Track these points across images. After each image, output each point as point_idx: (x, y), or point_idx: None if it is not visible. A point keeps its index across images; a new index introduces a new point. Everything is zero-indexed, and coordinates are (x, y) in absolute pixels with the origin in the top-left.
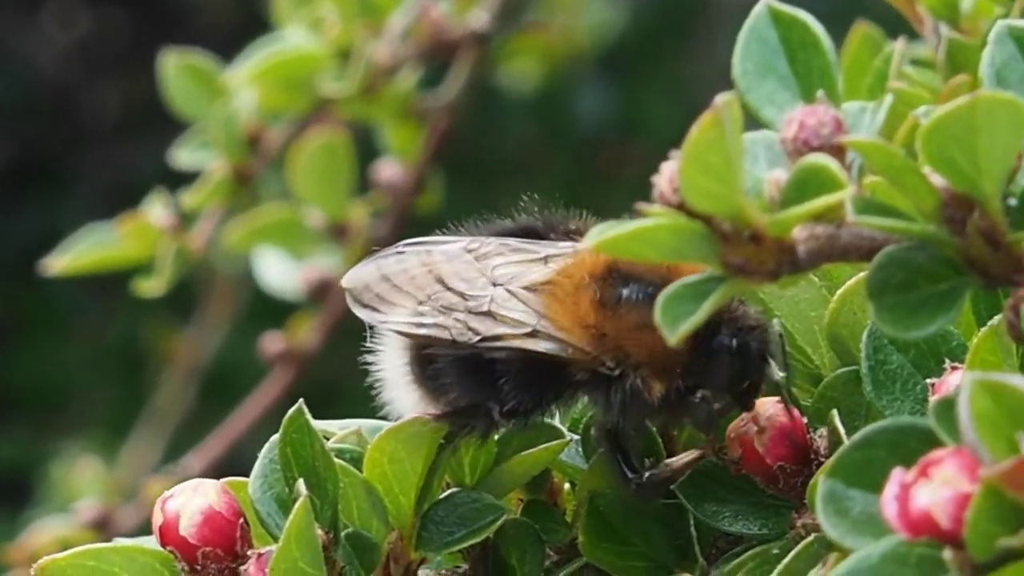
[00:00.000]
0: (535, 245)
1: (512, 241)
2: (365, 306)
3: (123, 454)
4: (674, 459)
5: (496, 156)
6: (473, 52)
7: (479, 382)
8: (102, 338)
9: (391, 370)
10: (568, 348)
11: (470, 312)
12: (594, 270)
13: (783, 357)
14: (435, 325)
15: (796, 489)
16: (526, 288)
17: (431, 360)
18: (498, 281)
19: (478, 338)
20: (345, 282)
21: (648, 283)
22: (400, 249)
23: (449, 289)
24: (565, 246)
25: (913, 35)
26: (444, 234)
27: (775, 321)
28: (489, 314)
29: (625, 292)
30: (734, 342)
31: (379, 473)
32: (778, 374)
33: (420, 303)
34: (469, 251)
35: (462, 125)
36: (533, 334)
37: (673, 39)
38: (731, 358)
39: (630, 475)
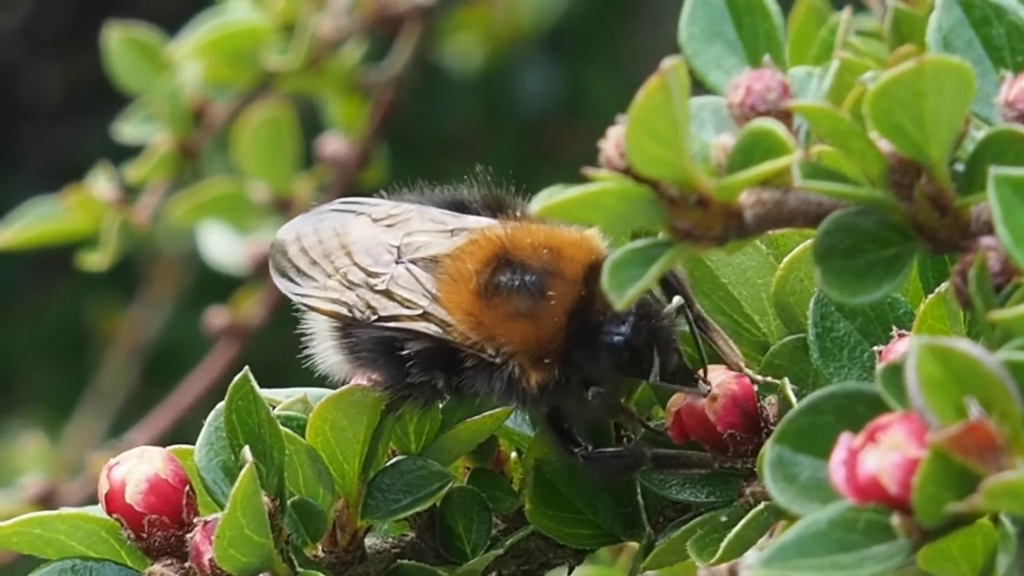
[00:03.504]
0: (453, 217)
1: (434, 211)
2: (282, 276)
3: (67, 433)
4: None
5: (440, 135)
6: (418, 26)
7: (391, 358)
8: (45, 318)
9: (320, 333)
10: (453, 332)
11: (371, 289)
12: (482, 257)
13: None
14: (339, 302)
15: (745, 456)
16: (424, 264)
17: (349, 329)
18: (403, 252)
19: (375, 317)
20: (271, 247)
21: (526, 271)
22: (326, 211)
23: (355, 264)
24: (475, 221)
25: (859, 7)
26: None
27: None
28: (386, 292)
29: (501, 281)
30: (615, 339)
31: (322, 441)
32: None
33: (329, 276)
34: (389, 216)
35: (406, 103)
36: (424, 316)
37: (616, 18)
38: (612, 356)
39: (575, 449)
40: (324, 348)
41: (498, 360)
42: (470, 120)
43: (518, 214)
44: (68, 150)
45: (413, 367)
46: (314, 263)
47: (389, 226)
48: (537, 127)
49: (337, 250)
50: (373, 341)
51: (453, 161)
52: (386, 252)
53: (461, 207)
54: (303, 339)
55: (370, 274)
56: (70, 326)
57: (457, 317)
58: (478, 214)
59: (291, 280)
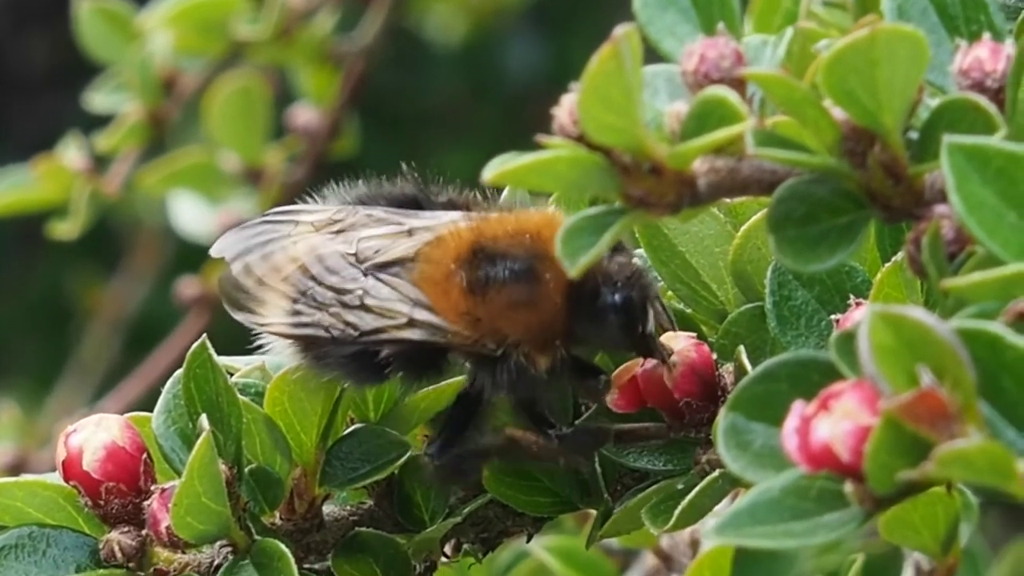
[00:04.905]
0: (402, 216)
1: (378, 211)
2: (241, 309)
3: (48, 405)
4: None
5: (423, 108)
6: None
7: (363, 367)
8: (27, 291)
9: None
10: (447, 334)
11: (344, 306)
12: (459, 253)
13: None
14: (313, 324)
15: (702, 425)
16: (393, 268)
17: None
18: (363, 256)
19: (357, 334)
20: (219, 281)
21: (513, 259)
22: (259, 225)
23: (320, 284)
24: (430, 216)
25: None
26: (354, 183)
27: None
28: (363, 307)
29: (491, 273)
30: (617, 298)
31: (280, 411)
32: (652, 323)
33: (294, 301)
34: (335, 221)
35: (389, 76)
36: (410, 323)
37: None
38: (617, 316)
39: (550, 431)
40: (279, 348)
41: (499, 352)
42: (454, 93)
43: (473, 206)
44: (53, 122)
45: (392, 374)
46: (273, 289)
47: (337, 232)
48: (521, 100)
49: (294, 272)
50: (346, 356)
51: (437, 134)
52: (347, 264)
53: (413, 203)
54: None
55: (339, 291)
56: (51, 299)
57: (450, 318)
58: (431, 208)
59: (251, 311)
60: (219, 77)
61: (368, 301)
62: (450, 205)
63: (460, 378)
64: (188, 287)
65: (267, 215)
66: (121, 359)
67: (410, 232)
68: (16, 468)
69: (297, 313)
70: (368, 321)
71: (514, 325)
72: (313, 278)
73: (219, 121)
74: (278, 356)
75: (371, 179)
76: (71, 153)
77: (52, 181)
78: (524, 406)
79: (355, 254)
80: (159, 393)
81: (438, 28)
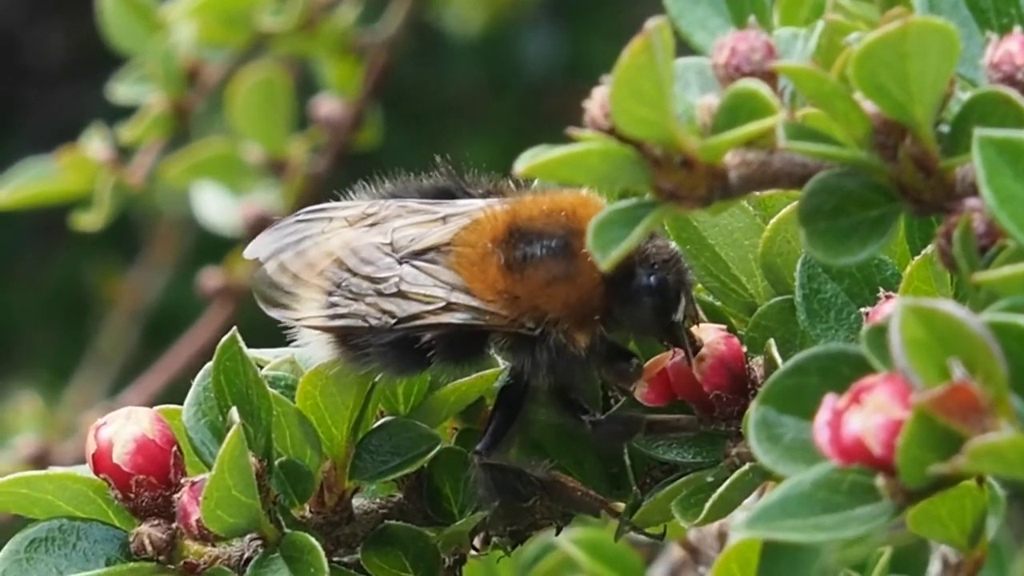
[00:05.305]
0: (435, 205)
1: (411, 202)
2: (276, 306)
3: (67, 395)
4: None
5: (442, 100)
6: None
7: (403, 356)
8: (45, 281)
9: (308, 333)
10: (485, 315)
11: (381, 295)
12: (495, 234)
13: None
14: (350, 315)
15: (732, 418)
16: (428, 255)
17: (351, 336)
18: (398, 246)
19: (394, 321)
20: (252, 280)
21: (550, 236)
22: (292, 224)
23: (356, 275)
24: (464, 204)
25: None
26: (379, 179)
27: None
28: (400, 294)
29: (529, 250)
30: (652, 280)
31: (311, 405)
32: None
33: (329, 294)
34: (368, 215)
35: (408, 68)
36: (448, 307)
37: None
38: (651, 298)
39: (583, 416)
40: (314, 345)
41: (538, 331)
42: (472, 85)
43: (506, 191)
44: (71, 113)
45: (432, 360)
46: (307, 283)
47: (371, 225)
48: (539, 92)
49: (329, 265)
50: (385, 344)
51: (454, 125)
52: (382, 255)
53: (446, 194)
54: (287, 332)
55: (375, 280)
56: (70, 289)
57: (488, 299)
58: (467, 198)
59: (286, 307)
60: (242, 68)
61: (404, 288)
62: (487, 195)
63: (492, 371)
64: (211, 278)
65: (299, 214)
66: (139, 350)
67: (444, 219)
68: (40, 459)
69: (333, 305)
70: (405, 308)
71: (553, 301)
72: (348, 270)
73: (242, 112)
74: (314, 351)
75: (400, 175)
76: (95, 144)
77: (76, 172)
78: (559, 392)
79: (390, 244)
80: (181, 385)
81: (456, 20)
